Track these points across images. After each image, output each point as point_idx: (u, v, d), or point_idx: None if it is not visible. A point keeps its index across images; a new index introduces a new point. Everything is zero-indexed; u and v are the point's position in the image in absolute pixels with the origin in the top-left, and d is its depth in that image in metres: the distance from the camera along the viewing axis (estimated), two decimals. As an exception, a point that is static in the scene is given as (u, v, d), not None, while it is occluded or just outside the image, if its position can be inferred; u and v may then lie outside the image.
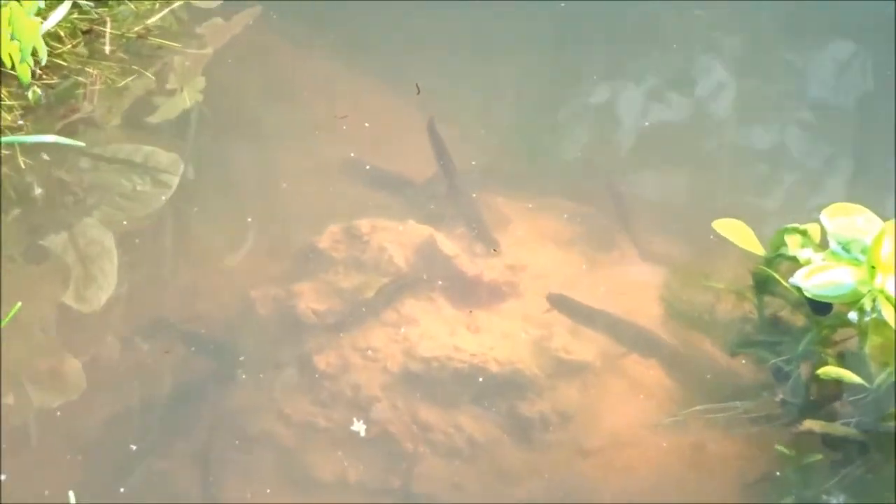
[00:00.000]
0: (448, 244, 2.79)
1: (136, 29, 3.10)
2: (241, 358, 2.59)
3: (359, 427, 2.49)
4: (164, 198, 2.84)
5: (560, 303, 2.66)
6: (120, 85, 3.01)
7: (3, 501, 2.14)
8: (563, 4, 3.40)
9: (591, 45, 3.37)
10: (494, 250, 2.77)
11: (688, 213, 2.90)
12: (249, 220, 2.84)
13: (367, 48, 3.27)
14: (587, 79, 3.30)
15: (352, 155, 3.00)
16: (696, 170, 3.08)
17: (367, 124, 3.08)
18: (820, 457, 2.45)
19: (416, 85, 3.13)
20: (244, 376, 2.57)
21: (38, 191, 2.80)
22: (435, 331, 2.65)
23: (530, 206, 2.93)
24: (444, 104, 3.15)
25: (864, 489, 2.40)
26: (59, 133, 2.84)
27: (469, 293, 2.72)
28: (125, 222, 2.80)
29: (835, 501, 2.41)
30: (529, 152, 3.07)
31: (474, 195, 2.92)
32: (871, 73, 3.36)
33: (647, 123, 3.23)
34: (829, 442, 2.48)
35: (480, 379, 2.57)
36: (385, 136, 3.06)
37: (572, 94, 3.27)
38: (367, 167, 2.94)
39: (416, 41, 3.31)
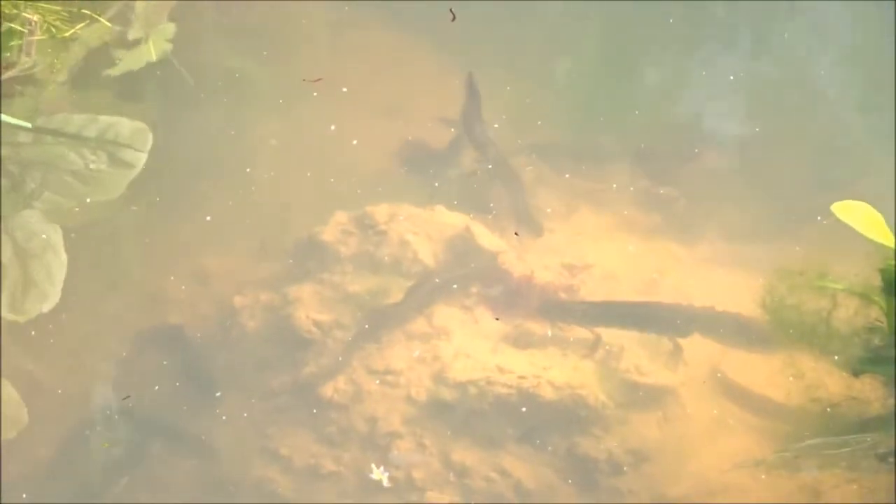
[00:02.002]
0: (489, 237, 2.55)
1: None
2: (218, 394, 2.37)
3: (378, 475, 2.26)
4: (126, 180, 2.55)
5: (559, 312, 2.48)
6: (67, 34, 2.73)
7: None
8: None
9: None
10: (537, 236, 2.57)
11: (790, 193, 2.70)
12: (231, 204, 2.60)
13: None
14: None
15: (356, 121, 2.73)
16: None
17: (375, 82, 2.84)
18: (966, 502, 2.13)
19: (451, 10, 2.87)
20: (224, 415, 2.35)
21: None
22: (472, 347, 2.41)
23: (597, 186, 2.71)
24: (475, 55, 2.90)
25: None
26: None
27: (516, 299, 2.48)
28: (76, 210, 2.52)
29: None
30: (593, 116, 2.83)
31: (517, 170, 2.70)
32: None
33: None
34: (977, 484, 2.15)
35: (530, 409, 2.33)
36: (397, 97, 2.86)
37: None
38: (376, 134, 2.71)
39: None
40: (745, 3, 3.09)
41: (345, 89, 2.71)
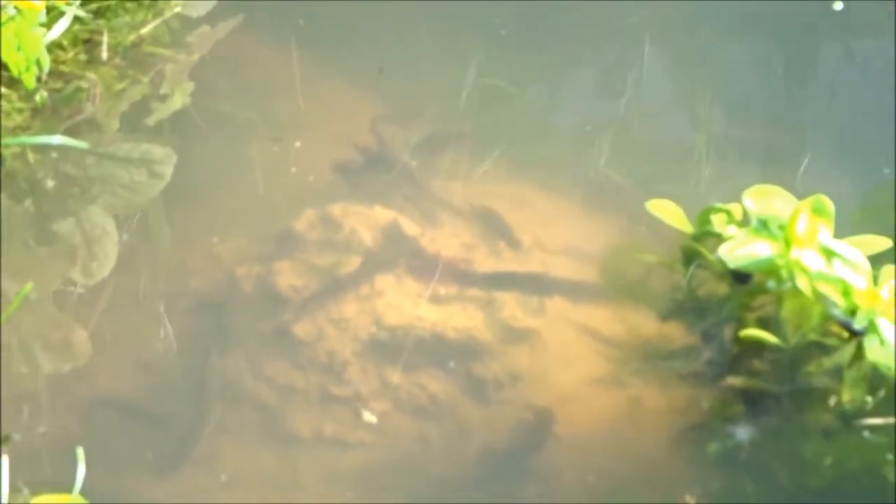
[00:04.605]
0: (411, 226, 2.87)
1: (130, 38, 3.20)
2: (224, 335, 2.65)
3: (369, 417, 2.50)
4: (158, 188, 2.93)
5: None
6: (117, 89, 3.12)
7: (13, 458, 2.15)
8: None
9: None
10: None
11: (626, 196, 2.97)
12: (234, 210, 2.92)
13: (338, 52, 3.36)
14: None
15: (323, 147, 3.08)
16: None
17: (342, 120, 3.14)
18: (741, 408, 2.45)
19: (380, 69, 3.25)
20: (232, 346, 2.62)
21: (49, 184, 2.92)
22: (400, 303, 2.69)
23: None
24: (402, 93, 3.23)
25: (780, 436, 2.42)
26: (65, 133, 2.93)
27: (430, 270, 2.76)
28: (124, 209, 2.89)
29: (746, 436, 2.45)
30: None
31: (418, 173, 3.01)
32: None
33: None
34: (749, 396, 2.48)
35: (440, 345, 2.61)
36: (348, 130, 3.11)
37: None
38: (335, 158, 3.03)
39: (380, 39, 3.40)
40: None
41: (306, 125, 3.06)
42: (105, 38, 3.14)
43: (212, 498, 2.32)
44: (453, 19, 3.37)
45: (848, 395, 2.43)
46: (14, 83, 2.88)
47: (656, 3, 3.42)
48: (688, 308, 2.65)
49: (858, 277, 2.48)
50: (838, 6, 3.42)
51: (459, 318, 2.61)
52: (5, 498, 2.02)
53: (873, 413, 2.39)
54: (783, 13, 3.43)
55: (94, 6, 3.15)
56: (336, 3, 3.43)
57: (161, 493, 2.30)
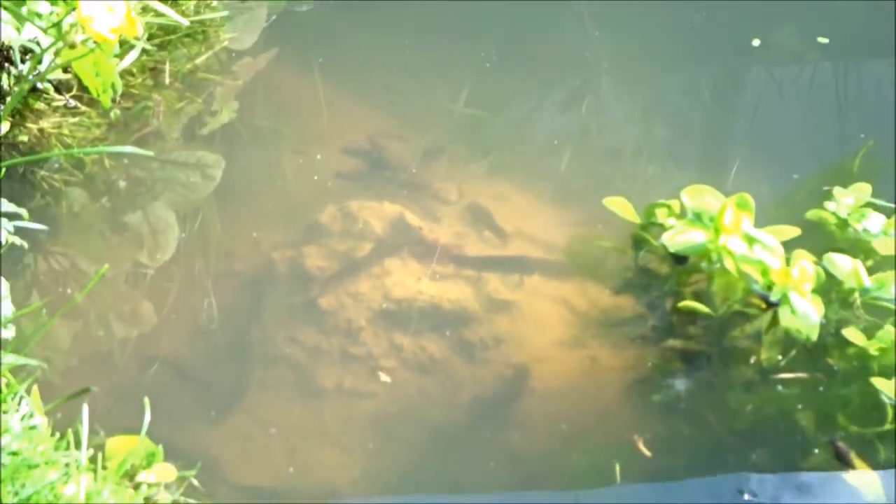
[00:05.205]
0: (414, 218, 2.85)
1: (187, 67, 3.19)
2: (266, 301, 2.64)
3: (384, 377, 2.47)
4: (210, 188, 2.93)
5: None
6: (177, 107, 3.12)
7: (92, 407, 2.10)
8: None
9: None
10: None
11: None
12: (270, 205, 2.90)
13: (354, 79, 3.32)
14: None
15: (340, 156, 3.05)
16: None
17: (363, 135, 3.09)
18: (679, 365, 2.44)
19: (387, 92, 3.22)
20: (269, 316, 2.60)
21: (121, 184, 2.91)
22: (405, 280, 2.68)
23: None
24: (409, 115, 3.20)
25: (710, 388, 2.41)
26: (134, 143, 2.93)
27: (430, 254, 2.75)
28: (182, 205, 2.88)
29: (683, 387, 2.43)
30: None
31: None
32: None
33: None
34: (685, 355, 2.47)
35: (437, 314, 2.60)
36: (360, 142, 3.07)
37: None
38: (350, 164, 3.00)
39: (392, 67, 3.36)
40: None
41: (326, 138, 3.05)
42: (167, 67, 3.14)
43: (256, 442, 2.31)
44: (447, 53, 3.36)
45: (765, 355, 2.42)
46: (93, 103, 2.90)
47: (609, 41, 3.39)
48: (636, 284, 2.64)
49: (774, 259, 2.48)
50: (756, 43, 3.40)
51: (453, 292, 2.60)
52: (85, 439, 2.01)
53: (786, 369, 2.39)
54: (712, 48, 3.43)
55: (157, 41, 3.15)
56: (351, 39, 3.40)
57: (213, 437, 2.31)
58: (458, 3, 3.44)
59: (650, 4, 3.44)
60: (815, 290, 2.43)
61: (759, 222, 2.53)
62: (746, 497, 2.18)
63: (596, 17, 3.38)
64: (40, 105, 2.87)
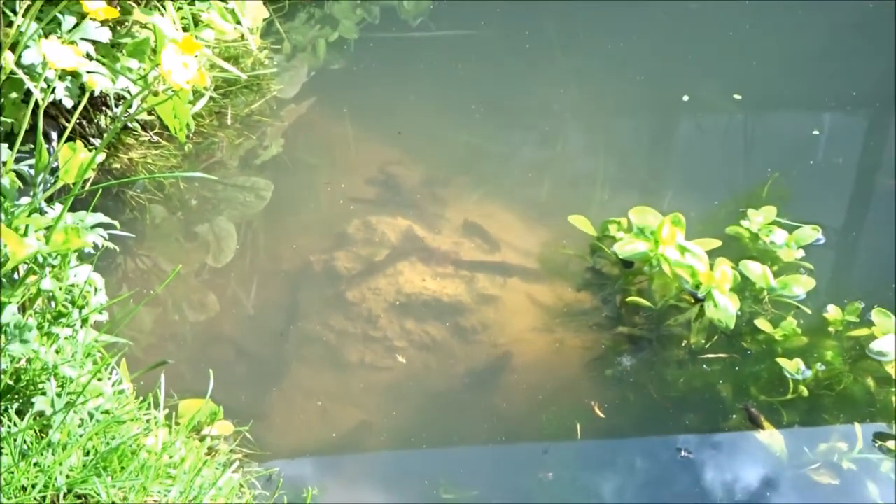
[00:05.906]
0: (421, 230, 2.80)
1: (245, 111, 3.14)
2: (304, 295, 2.62)
3: (401, 358, 2.42)
4: (261, 206, 2.89)
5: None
6: (237, 142, 3.07)
7: (167, 376, 2.10)
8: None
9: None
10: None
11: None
12: (308, 220, 2.86)
13: (369, 121, 3.25)
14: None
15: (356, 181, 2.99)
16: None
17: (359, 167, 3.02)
18: (627, 347, 2.41)
19: (399, 132, 3.15)
20: (306, 305, 2.58)
21: (192, 202, 2.87)
22: (413, 279, 2.63)
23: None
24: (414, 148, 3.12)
25: (651, 365, 2.38)
26: (203, 170, 2.90)
27: (433, 259, 2.69)
28: (240, 219, 2.84)
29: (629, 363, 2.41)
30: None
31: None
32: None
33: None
34: (632, 339, 2.44)
35: (438, 306, 2.56)
36: (375, 173, 3.00)
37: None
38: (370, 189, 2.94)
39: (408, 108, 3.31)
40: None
41: (352, 168, 3.00)
42: (229, 111, 3.09)
43: (295, 404, 2.29)
44: (446, 102, 3.32)
45: (694, 340, 2.40)
46: (171, 138, 2.85)
47: (572, 96, 3.35)
48: (593, 283, 2.61)
49: (701, 264, 2.47)
50: (685, 98, 3.36)
51: (451, 288, 2.56)
52: (162, 401, 2.00)
53: (710, 351, 2.39)
54: (652, 101, 3.40)
55: (222, 90, 3.11)
56: (370, 92, 3.34)
57: (262, 400, 2.32)
58: (451, 67, 3.42)
59: (602, 68, 3.45)
60: (733, 289, 2.42)
61: (689, 235, 2.52)
62: (683, 454, 2.17)
63: (560, 78, 3.37)
64: (130, 140, 2.85)
